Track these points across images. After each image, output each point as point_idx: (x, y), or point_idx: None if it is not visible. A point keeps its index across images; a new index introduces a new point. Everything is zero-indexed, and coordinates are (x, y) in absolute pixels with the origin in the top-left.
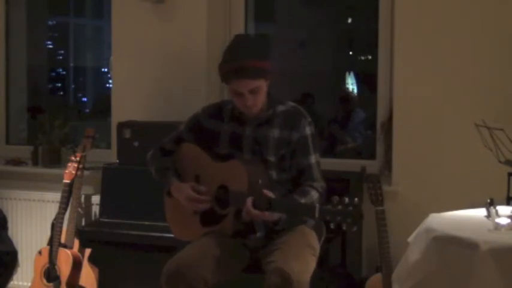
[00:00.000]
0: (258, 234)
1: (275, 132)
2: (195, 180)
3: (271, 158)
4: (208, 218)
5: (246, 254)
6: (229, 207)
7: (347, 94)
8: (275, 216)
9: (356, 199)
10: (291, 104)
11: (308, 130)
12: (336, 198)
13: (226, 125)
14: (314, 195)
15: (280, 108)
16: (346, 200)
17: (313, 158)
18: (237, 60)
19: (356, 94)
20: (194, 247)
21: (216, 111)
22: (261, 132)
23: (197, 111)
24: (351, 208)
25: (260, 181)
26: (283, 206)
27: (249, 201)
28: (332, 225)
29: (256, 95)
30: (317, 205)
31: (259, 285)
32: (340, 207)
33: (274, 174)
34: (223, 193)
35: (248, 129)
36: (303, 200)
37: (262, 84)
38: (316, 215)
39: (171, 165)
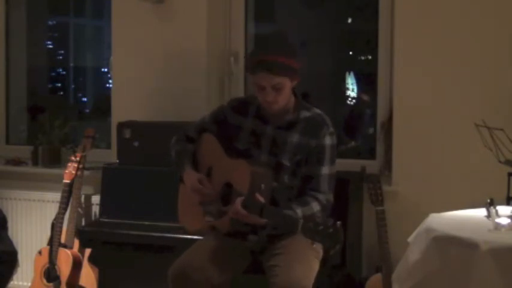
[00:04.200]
0: (252, 237)
1: (295, 137)
2: (207, 172)
3: (286, 163)
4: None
5: (248, 255)
6: (229, 205)
7: (359, 95)
8: (262, 220)
9: (339, 223)
10: (317, 111)
11: (328, 140)
12: (319, 217)
13: (249, 121)
14: (314, 207)
15: (305, 114)
16: (330, 221)
17: (326, 169)
18: (263, 53)
19: (368, 96)
20: (198, 249)
21: (242, 105)
22: (281, 134)
23: (223, 103)
24: (331, 230)
25: (263, 186)
26: (272, 215)
27: (239, 201)
28: (314, 244)
29: (278, 92)
30: (301, 221)
31: (260, 285)
32: (321, 227)
33: (286, 178)
34: (227, 191)
35: (269, 129)
36: (298, 210)
37: (286, 82)
38: (299, 230)
39: (190, 152)
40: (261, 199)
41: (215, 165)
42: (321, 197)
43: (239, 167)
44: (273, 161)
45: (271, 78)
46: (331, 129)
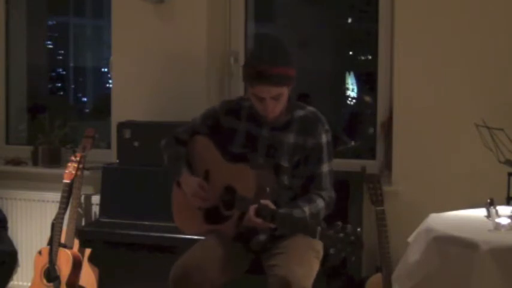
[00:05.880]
0: (261, 237)
1: (291, 138)
2: (205, 175)
3: (285, 164)
4: (212, 216)
5: (249, 256)
6: (233, 209)
7: (361, 96)
8: (272, 225)
9: (359, 229)
10: (310, 109)
11: (324, 138)
12: (338, 224)
13: (243, 124)
14: (319, 203)
15: (299, 113)
16: (349, 227)
17: (325, 167)
18: (262, 65)
19: (370, 97)
20: (199, 249)
21: (234, 108)
22: (277, 136)
23: (215, 105)
24: (352, 238)
25: (268, 189)
26: (285, 221)
27: (252, 209)
28: (332, 251)
29: (277, 101)
30: (319, 228)
31: (260, 285)
32: (341, 235)
33: (285, 179)
34: (230, 194)
35: (264, 131)
36: (306, 208)
37: (285, 91)
38: (317, 237)
39: (183, 155)
40: (272, 206)
41: (213, 168)
42: (324, 194)
43: (242, 172)
44: (271, 163)
45: (270, 90)
46: (326, 126)
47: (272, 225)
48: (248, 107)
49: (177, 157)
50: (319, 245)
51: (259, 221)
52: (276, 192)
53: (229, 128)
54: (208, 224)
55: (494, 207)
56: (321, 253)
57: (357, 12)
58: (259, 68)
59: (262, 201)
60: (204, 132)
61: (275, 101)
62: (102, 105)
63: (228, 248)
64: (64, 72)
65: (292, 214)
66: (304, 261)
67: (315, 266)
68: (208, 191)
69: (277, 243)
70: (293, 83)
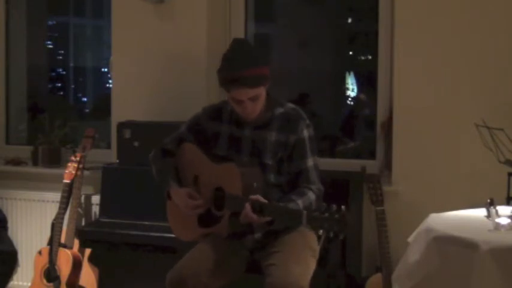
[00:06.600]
0: (256, 235)
1: (273, 135)
2: (194, 181)
3: (269, 161)
4: (205, 220)
5: (246, 256)
6: (224, 209)
7: (358, 96)
8: (268, 219)
9: (343, 207)
10: (290, 106)
11: (306, 133)
12: (323, 205)
13: (225, 127)
14: (311, 196)
15: (279, 110)
16: (334, 207)
17: (310, 161)
18: (235, 70)
19: (365, 95)
20: (195, 254)
21: (216, 112)
22: (259, 134)
23: (198, 111)
24: (337, 216)
25: (255, 184)
26: (273, 211)
27: (248, 205)
28: (320, 232)
29: (255, 101)
30: (304, 212)
31: (259, 285)
32: (327, 214)
33: (272, 177)
34: (220, 195)
35: (247, 131)
36: (299, 201)
37: (262, 91)
38: (304, 221)
39: (171, 167)
40: (262, 199)
41: (201, 173)
42: (313, 187)
43: (228, 171)
44: (256, 162)
45: (248, 92)
46: (307, 121)
47: (268, 219)
48: (230, 109)
49: (165, 170)
50: (315, 244)
51: (255, 217)
52: (264, 188)
53: (213, 132)
54: (202, 228)
55: (494, 207)
56: (318, 251)
57: (357, 12)
58: (233, 72)
59: (252, 197)
60: (190, 139)
61: (253, 102)
62: (102, 105)
63: (223, 250)
64: (64, 72)
65: (279, 205)
66: (301, 259)
67: (312, 265)
68: (199, 197)
69: (274, 242)
70: (269, 82)
